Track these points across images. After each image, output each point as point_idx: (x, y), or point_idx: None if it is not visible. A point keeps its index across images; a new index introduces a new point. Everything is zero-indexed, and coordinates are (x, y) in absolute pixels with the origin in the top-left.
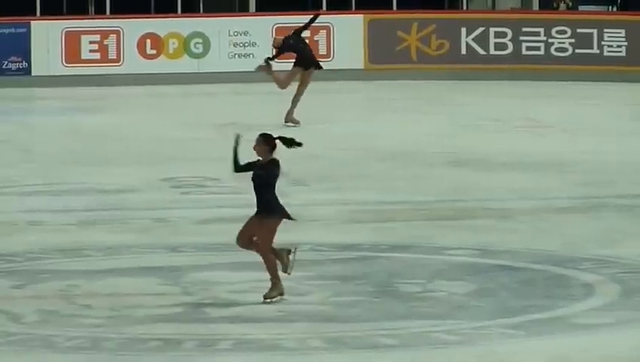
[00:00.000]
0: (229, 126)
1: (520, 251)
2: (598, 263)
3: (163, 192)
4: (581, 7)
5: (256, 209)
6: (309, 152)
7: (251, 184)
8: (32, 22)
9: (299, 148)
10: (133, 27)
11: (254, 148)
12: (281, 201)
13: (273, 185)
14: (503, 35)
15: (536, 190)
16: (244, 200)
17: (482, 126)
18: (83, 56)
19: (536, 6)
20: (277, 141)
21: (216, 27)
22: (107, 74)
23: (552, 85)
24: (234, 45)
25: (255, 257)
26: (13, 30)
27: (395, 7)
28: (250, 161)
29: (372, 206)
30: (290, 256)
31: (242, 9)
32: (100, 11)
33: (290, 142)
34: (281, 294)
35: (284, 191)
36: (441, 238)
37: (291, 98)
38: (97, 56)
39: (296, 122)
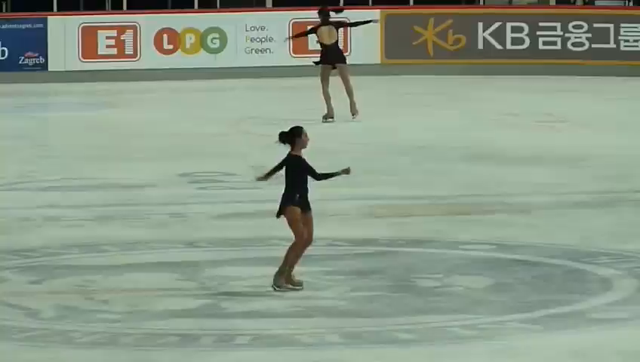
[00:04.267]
0: (246, 121)
1: (537, 246)
2: (616, 258)
3: (180, 187)
4: (598, 2)
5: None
6: (326, 147)
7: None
8: (48, 17)
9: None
10: (150, 22)
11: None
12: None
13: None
14: (520, 29)
15: (554, 185)
16: (261, 195)
17: (499, 121)
18: (100, 52)
19: (552, 1)
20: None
21: (233, 22)
22: (124, 69)
23: (569, 80)
24: (251, 40)
25: (271, 253)
26: (30, 25)
27: (411, 3)
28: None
29: (389, 201)
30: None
31: (259, 4)
32: (116, 6)
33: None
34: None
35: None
36: (458, 233)
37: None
38: (114, 51)
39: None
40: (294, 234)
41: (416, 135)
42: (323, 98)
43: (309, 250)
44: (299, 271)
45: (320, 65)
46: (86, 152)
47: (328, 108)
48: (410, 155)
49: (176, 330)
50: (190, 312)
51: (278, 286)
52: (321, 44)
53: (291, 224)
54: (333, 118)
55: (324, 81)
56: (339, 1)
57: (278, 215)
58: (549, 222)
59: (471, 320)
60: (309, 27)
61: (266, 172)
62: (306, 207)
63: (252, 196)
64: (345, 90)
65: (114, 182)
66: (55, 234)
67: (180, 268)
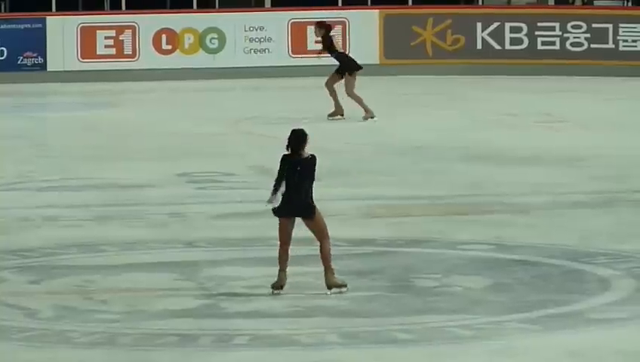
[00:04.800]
0: (244, 121)
1: (536, 246)
2: (614, 258)
3: (179, 187)
4: (596, 2)
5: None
6: (325, 147)
7: (263, 179)
8: (47, 17)
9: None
10: (149, 22)
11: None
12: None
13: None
14: (519, 29)
15: (552, 185)
16: (259, 195)
17: (498, 121)
18: (98, 52)
19: (551, 1)
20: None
21: (232, 22)
22: (123, 69)
23: (568, 80)
24: (249, 40)
25: (270, 253)
26: (28, 25)
27: (410, 3)
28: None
29: (388, 201)
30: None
31: (258, 4)
32: (115, 7)
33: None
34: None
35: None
36: (456, 233)
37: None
38: (113, 51)
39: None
40: (324, 230)
41: (414, 135)
42: (356, 102)
43: (310, 250)
44: (300, 271)
45: (349, 73)
46: (85, 152)
47: (366, 108)
48: (408, 155)
49: (175, 330)
50: (189, 312)
51: (344, 286)
52: (336, 53)
53: (322, 220)
54: (373, 116)
55: (353, 88)
56: (337, 2)
57: (312, 214)
58: (547, 222)
59: (469, 320)
60: (327, 41)
61: (274, 188)
62: None
63: (251, 196)
64: (330, 92)
65: (112, 182)
66: (53, 234)
67: (179, 268)
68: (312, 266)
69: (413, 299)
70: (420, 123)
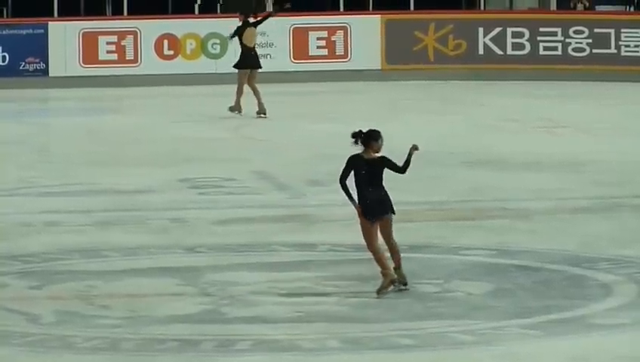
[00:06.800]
0: (246, 126)
1: (537, 251)
2: (616, 263)
3: (180, 193)
4: (598, 7)
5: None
6: (327, 152)
7: (264, 184)
8: (49, 23)
9: None
10: (151, 28)
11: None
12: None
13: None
14: (521, 35)
15: (554, 190)
16: (261, 200)
17: (499, 126)
18: (100, 57)
19: (553, 6)
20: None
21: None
22: (124, 75)
23: (569, 85)
24: None
25: (272, 258)
26: (30, 31)
27: (412, 8)
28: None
29: None
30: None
31: (259, 10)
32: (117, 12)
33: None
34: (393, 282)
35: (301, 192)
36: (458, 238)
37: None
38: (115, 57)
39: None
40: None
41: (416, 140)
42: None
43: (310, 255)
44: (300, 276)
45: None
46: (86, 158)
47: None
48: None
49: (176, 335)
50: (191, 317)
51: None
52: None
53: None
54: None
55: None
56: (339, 7)
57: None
58: (549, 227)
59: (471, 325)
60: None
61: (347, 193)
62: None
63: (252, 201)
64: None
65: (114, 188)
66: (55, 240)
67: (181, 274)
68: (312, 271)
69: (415, 304)
70: (422, 128)
